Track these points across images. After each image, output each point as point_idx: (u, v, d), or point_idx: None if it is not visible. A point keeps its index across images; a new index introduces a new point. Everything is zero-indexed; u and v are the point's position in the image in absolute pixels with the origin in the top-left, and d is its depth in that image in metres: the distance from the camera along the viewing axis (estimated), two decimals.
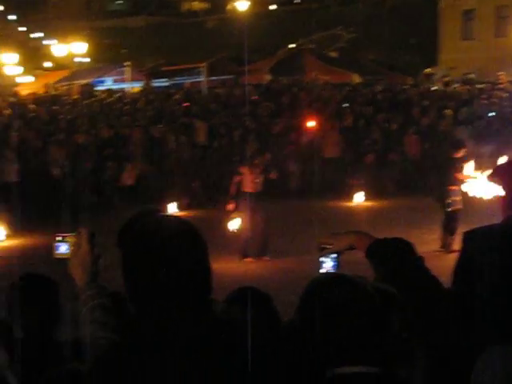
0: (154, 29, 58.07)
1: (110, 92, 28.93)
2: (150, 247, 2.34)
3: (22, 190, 16.87)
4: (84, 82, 30.73)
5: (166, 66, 35.12)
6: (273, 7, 61.53)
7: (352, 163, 20.39)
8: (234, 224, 13.20)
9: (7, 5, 61.13)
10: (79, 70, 34.43)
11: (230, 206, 13.38)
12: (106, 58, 44.57)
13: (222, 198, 18.80)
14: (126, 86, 31.29)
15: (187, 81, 31.07)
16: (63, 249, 2.69)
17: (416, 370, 2.60)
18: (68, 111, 23.24)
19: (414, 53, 43.99)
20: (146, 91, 28.69)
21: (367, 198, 18.89)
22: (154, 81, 31.73)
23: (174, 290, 2.31)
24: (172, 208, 17.67)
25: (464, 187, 12.18)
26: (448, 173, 13.07)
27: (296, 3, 61.23)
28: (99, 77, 33.05)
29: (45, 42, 51.57)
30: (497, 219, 4.11)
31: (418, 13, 48.09)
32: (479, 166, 12.49)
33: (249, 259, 13.14)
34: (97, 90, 29.52)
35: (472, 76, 34.41)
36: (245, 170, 13.37)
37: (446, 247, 12.83)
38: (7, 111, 23.73)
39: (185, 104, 24.39)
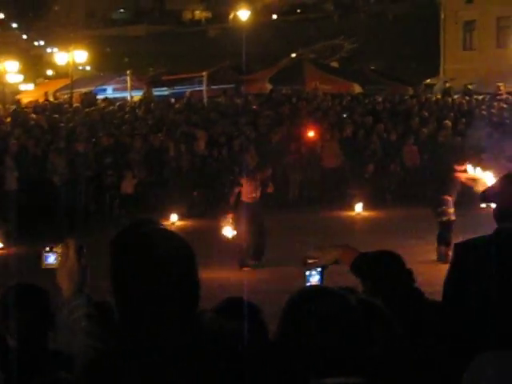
0: (156, 37, 58.17)
1: (109, 100, 28.97)
2: (139, 257, 2.38)
3: (21, 198, 16.91)
4: (85, 90, 30.80)
5: (166, 75, 35.17)
6: (274, 17, 61.67)
7: (351, 173, 20.42)
8: (228, 232, 13.26)
9: (9, 13, 61.28)
10: (80, 79, 34.48)
11: (229, 216, 13.43)
12: (108, 66, 44.65)
13: (221, 207, 18.89)
14: (127, 94, 31.35)
15: (188, 90, 31.12)
16: (51, 259, 2.72)
17: (400, 381, 2.62)
18: (68, 119, 23.27)
19: (414, 63, 44.04)
20: (147, 100, 28.74)
21: (366, 208, 18.90)
22: (154, 89, 31.79)
23: (162, 299, 2.34)
24: (171, 217, 17.68)
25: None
26: (445, 183, 13.17)
27: (297, 13, 61.37)
28: (100, 85, 33.12)
29: (46, 50, 51.70)
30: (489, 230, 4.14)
31: (419, 23, 48.19)
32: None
33: (246, 268, 13.18)
34: (97, 99, 29.57)
35: (472, 87, 34.47)
36: (244, 181, 13.45)
37: (441, 258, 12.84)
38: (8, 119, 23.78)
39: (185, 112, 24.46)
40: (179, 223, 17.62)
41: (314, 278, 2.85)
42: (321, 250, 2.94)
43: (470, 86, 32.19)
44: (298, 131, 21.37)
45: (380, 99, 26.91)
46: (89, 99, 28.69)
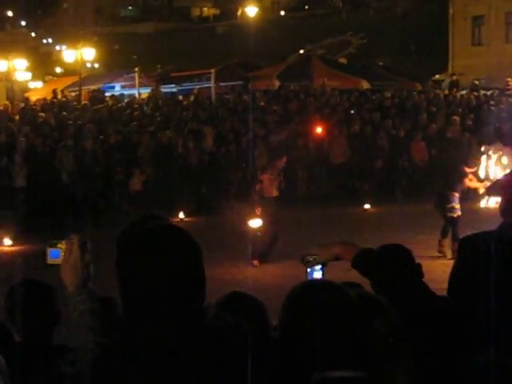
0: (164, 35, 58.25)
1: (117, 98, 29.01)
2: (144, 254, 2.39)
3: (30, 196, 16.97)
4: (93, 87, 30.83)
5: (174, 72, 35.19)
6: (282, 13, 61.64)
7: (359, 169, 20.41)
8: (255, 223, 13.25)
9: (18, 10, 61.44)
10: (88, 76, 34.55)
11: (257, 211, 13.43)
12: (116, 63, 44.72)
13: (229, 203, 18.91)
14: (135, 91, 31.38)
15: (196, 86, 31.12)
16: (55, 255, 2.74)
17: (401, 375, 2.63)
18: (76, 117, 23.32)
19: (423, 59, 43.96)
20: (155, 97, 28.76)
21: (374, 204, 18.88)
22: (162, 86, 31.80)
23: (167, 296, 2.35)
24: (179, 213, 17.71)
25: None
26: (452, 179, 13.24)
27: (306, 9, 61.33)
28: (108, 82, 33.15)
29: (55, 48, 51.82)
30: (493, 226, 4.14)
31: (428, 19, 48.09)
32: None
33: (256, 261, 13.20)
34: (106, 96, 29.62)
35: (481, 82, 34.37)
36: (264, 176, 13.47)
37: (447, 254, 12.87)
38: (16, 117, 23.85)
39: (193, 109, 24.48)
40: (187, 219, 17.65)
41: (316, 275, 2.86)
42: (321, 246, 2.95)
43: (477, 82, 32.09)
44: (305, 127, 21.37)
45: (388, 95, 26.85)
46: (97, 96, 28.72)
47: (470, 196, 15.51)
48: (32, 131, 20.39)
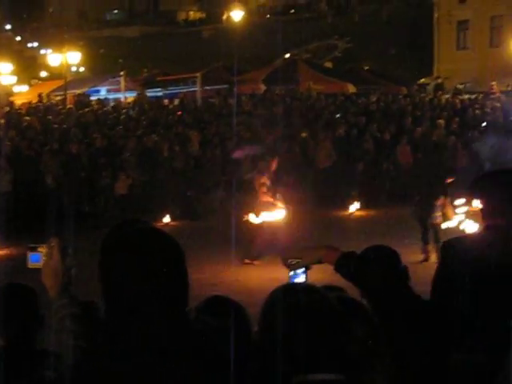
0: (150, 38, 58.17)
1: (102, 102, 28.98)
2: (127, 257, 2.39)
3: (15, 199, 16.91)
4: (78, 91, 30.79)
5: (160, 76, 35.20)
6: (268, 17, 61.67)
7: (345, 173, 20.44)
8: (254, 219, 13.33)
9: (3, 14, 61.22)
10: (74, 80, 34.49)
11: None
12: (101, 67, 44.64)
13: (215, 207, 18.92)
14: (121, 95, 31.35)
15: (181, 90, 31.14)
16: (36, 259, 2.74)
17: (381, 378, 2.64)
18: (62, 121, 23.27)
19: (408, 63, 44.10)
20: (140, 101, 28.75)
21: (360, 208, 18.93)
22: (148, 90, 31.79)
23: (150, 299, 2.35)
24: (165, 218, 17.69)
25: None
26: (436, 185, 13.38)
27: (291, 13, 61.38)
28: (94, 86, 33.12)
29: (40, 52, 51.67)
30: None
31: (413, 23, 48.25)
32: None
33: (248, 261, 13.28)
34: (91, 100, 29.58)
35: (466, 86, 34.55)
36: (260, 179, 13.66)
37: (433, 257, 12.94)
38: (2, 121, 23.77)
39: (178, 113, 24.47)
40: (173, 224, 17.63)
41: (298, 278, 2.88)
42: (304, 250, 2.97)
43: (460, 86, 32.30)
44: (291, 131, 21.40)
45: (373, 99, 26.96)
46: (82, 100, 28.69)
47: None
48: (17, 135, 20.34)
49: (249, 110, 24.34)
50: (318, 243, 3.14)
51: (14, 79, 37.19)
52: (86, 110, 26.15)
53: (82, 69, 43.12)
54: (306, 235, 13.56)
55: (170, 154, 20.07)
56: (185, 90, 31.13)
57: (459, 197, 12.79)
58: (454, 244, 4.18)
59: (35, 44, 58.57)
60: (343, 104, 25.83)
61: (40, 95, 30.66)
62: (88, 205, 18.77)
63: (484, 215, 4.12)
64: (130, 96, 31.22)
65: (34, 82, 39.89)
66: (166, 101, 29.49)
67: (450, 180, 13.59)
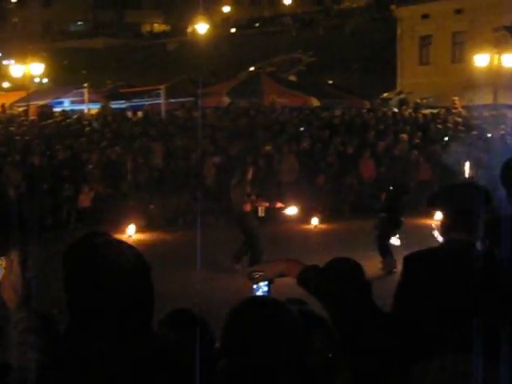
0: (114, 50, 58.02)
1: (66, 113, 28.80)
2: (90, 270, 2.38)
3: None
4: (41, 102, 30.57)
5: (124, 88, 35.08)
6: (233, 30, 61.87)
7: (308, 186, 20.52)
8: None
9: None
10: (37, 91, 34.24)
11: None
12: (65, 79, 44.40)
13: (179, 220, 18.88)
14: (84, 107, 31.19)
15: (146, 103, 31.06)
16: None
17: None
18: (24, 132, 23.08)
19: (371, 77, 44.50)
20: (104, 113, 28.62)
21: (323, 221, 19.00)
22: (112, 102, 31.66)
23: (114, 311, 2.34)
24: (128, 230, 17.60)
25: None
26: (401, 204, 13.55)
27: (256, 26, 61.64)
28: (57, 98, 32.89)
29: (3, 63, 51.25)
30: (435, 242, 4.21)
31: (377, 38, 48.72)
32: None
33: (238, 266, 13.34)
34: (54, 112, 29.37)
35: (428, 100, 34.91)
36: (237, 190, 13.77)
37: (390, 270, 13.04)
38: None
39: (142, 125, 24.42)
40: (137, 236, 17.55)
41: (261, 292, 2.89)
42: (266, 263, 2.98)
43: (419, 101, 32.67)
44: (255, 144, 21.44)
45: (337, 113, 27.12)
46: (45, 112, 28.48)
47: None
48: None
49: (213, 122, 24.33)
50: (281, 256, 3.15)
51: None
52: (49, 121, 25.97)
53: (45, 80, 42.85)
54: (269, 248, 13.57)
55: (134, 166, 20.00)
56: (149, 103, 31.05)
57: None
58: (417, 257, 4.21)
59: None
60: (307, 117, 25.95)
61: (2, 106, 30.40)
62: (51, 217, 18.60)
63: (445, 228, 4.17)
64: (93, 108, 31.06)
65: None
66: (129, 113, 29.38)
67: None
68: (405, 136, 22.34)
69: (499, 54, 29.83)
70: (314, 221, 18.93)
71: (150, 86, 33.15)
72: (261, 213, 13.73)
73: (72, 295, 2.40)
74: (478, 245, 4.23)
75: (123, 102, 32.52)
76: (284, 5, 65.24)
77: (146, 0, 71.12)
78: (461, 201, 4.07)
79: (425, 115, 27.03)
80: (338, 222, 19.27)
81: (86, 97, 31.27)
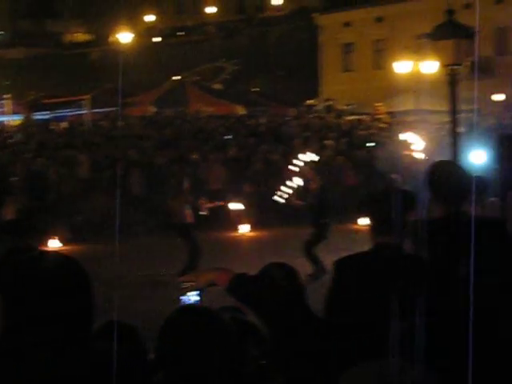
0: (36, 60, 57.12)
1: None
2: (19, 283, 2.35)
3: None
4: None
5: (47, 99, 34.58)
6: (156, 39, 61.57)
7: (236, 194, 20.54)
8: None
9: None
10: None
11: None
12: None
13: (104, 231, 18.66)
14: (7, 118, 30.63)
15: (70, 113, 30.68)
16: None
17: None
18: None
19: (296, 85, 44.86)
20: (27, 124, 28.17)
21: (251, 229, 19.06)
22: (35, 113, 31.18)
23: (44, 324, 2.31)
24: (53, 242, 17.34)
25: None
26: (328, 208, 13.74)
27: (180, 35, 61.46)
28: None
29: None
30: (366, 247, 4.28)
31: (300, 46, 49.14)
32: None
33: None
34: None
35: (352, 107, 35.37)
36: (175, 201, 13.68)
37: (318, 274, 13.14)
38: None
39: (67, 136, 24.13)
40: (62, 249, 17.30)
41: (192, 301, 2.88)
42: (196, 273, 2.98)
43: (346, 107, 33.09)
44: (182, 153, 21.38)
45: (263, 120, 27.26)
46: None
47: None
48: None
49: (139, 132, 24.18)
50: (211, 265, 3.16)
51: None
52: None
53: None
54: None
55: (59, 177, 19.73)
56: (73, 113, 30.68)
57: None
58: (347, 262, 4.28)
59: None
60: (233, 126, 26.02)
61: None
62: None
63: (373, 233, 4.24)
64: (16, 119, 30.54)
65: None
66: (53, 124, 28.98)
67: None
68: (330, 142, 22.59)
69: (420, 60, 30.41)
70: (243, 228, 18.97)
71: (74, 96, 32.77)
72: (203, 211, 13.78)
73: (2, 307, 2.37)
74: (408, 248, 4.32)
75: (47, 112, 32.06)
76: (207, 14, 65.23)
77: (67, 9, 70.25)
78: (386, 206, 4.14)
79: (349, 121, 27.40)
80: (265, 229, 19.36)
81: (8, 108, 30.72)
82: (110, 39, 58.75)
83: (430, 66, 28.80)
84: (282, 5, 61.89)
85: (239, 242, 18.30)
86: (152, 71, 46.56)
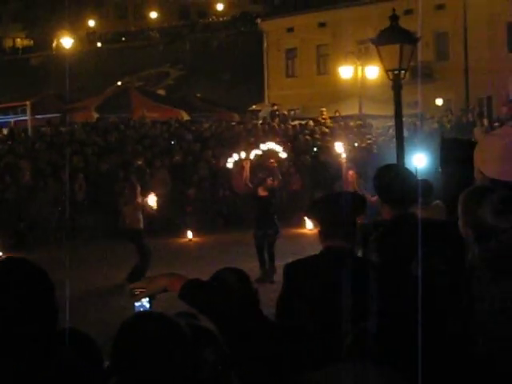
0: None
1: None
2: None
3: None
4: None
5: None
6: (99, 45, 61.13)
7: (181, 200, 20.51)
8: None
9: None
10: None
11: None
12: None
13: (49, 238, 18.44)
14: None
15: (11, 119, 30.25)
16: None
17: None
18: None
19: (240, 90, 44.98)
20: None
21: (197, 234, 19.03)
22: None
23: (6, 333, 2.31)
24: None
25: None
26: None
27: (122, 41, 61.12)
28: None
29: None
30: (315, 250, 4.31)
31: (244, 51, 49.30)
32: None
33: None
34: None
35: (296, 112, 35.60)
36: (127, 208, 13.69)
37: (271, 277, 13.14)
38: None
39: (9, 142, 23.78)
40: (4, 256, 17.03)
41: (144, 308, 2.86)
42: (147, 279, 2.96)
43: (286, 112, 33.29)
44: (126, 159, 21.25)
45: (207, 126, 27.24)
46: None
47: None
48: None
49: (82, 138, 23.93)
50: (160, 271, 3.14)
51: None
52: None
53: None
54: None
55: (1, 184, 19.44)
56: (14, 119, 30.26)
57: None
58: (297, 266, 4.30)
59: None
60: (177, 131, 25.93)
61: None
62: None
63: (322, 237, 4.27)
64: None
65: None
66: None
67: None
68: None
69: (363, 65, 30.76)
70: (189, 234, 18.93)
71: (15, 102, 32.31)
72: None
73: None
74: (357, 251, 4.37)
75: None
76: (150, 19, 65.00)
77: (7, 13, 69.28)
78: (334, 210, 4.18)
79: (294, 126, 27.53)
80: (211, 234, 19.35)
81: None
82: (52, 44, 58.17)
83: (374, 71, 29.19)
84: (225, 10, 62.09)
85: (186, 247, 18.25)
86: (94, 77, 46.19)
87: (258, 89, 44.47)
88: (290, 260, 4.42)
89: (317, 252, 4.30)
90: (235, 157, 16.01)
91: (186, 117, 30.73)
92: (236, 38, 53.00)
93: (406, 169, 5.45)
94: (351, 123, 28.49)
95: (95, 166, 21.09)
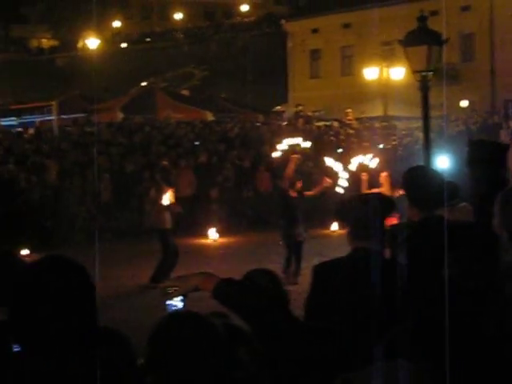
0: (2, 66, 56.63)
1: None
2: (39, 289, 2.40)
3: None
4: None
5: (14, 105, 34.29)
6: (124, 45, 61.39)
7: (206, 201, 20.55)
8: None
9: None
10: None
11: None
12: None
13: (75, 238, 18.56)
14: None
15: (37, 119, 30.45)
16: None
17: None
18: None
19: (264, 90, 44.97)
20: None
21: (221, 235, 19.06)
22: (2, 119, 30.89)
23: (50, 329, 2.35)
24: (24, 249, 17.18)
25: None
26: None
27: (147, 42, 61.34)
28: None
29: None
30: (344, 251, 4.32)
31: (268, 52, 49.29)
32: None
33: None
34: None
35: (320, 113, 35.55)
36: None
37: (295, 280, 13.08)
38: None
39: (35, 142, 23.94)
40: (33, 255, 17.16)
41: (176, 307, 2.87)
42: (180, 278, 2.98)
43: (310, 113, 33.23)
44: (151, 160, 21.32)
45: (232, 126, 27.28)
46: None
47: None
48: None
49: (107, 138, 24.06)
50: (188, 271, 3.16)
51: None
52: None
53: None
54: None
55: (27, 184, 19.58)
56: (40, 119, 30.45)
57: None
58: (326, 267, 4.32)
59: None
60: (202, 132, 26.00)
61: None
62: None
63: (350, 238, 4.28)
64: None
65: None
66: (20, 129, 28.70)
67: None
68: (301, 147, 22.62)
69: (388, 67, 30.67)
70: (213, 235, 18.96)
71: (41, 102, 32.53)
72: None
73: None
74: (385, 252, 4.37)
75: (14, 118, 31.78)
76: (175, 19, 65.20)
77: (33, 14, 69.72)
78: (363, 211, 4.19)
79: (318, 127, 27.50)
80: (235, 235, 19.38)
81: None
82: (77, 45, 58.50)
83: (399, 72, 29.10)
84: (250, 11, 62.14)
85: (211, 248, 18.28)
86: (120, 77, 46.39)
87: (282, 90, 44.44)
88: (316, 261, 4.43)
89: (342, 253, 4.31)
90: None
91: (210, 117, 30.80)
92: (260, 39, 53.02)
93: (435, 171, 5.45)
94: (376, 124, 28.42)
95: (120, 166, 21.18)
